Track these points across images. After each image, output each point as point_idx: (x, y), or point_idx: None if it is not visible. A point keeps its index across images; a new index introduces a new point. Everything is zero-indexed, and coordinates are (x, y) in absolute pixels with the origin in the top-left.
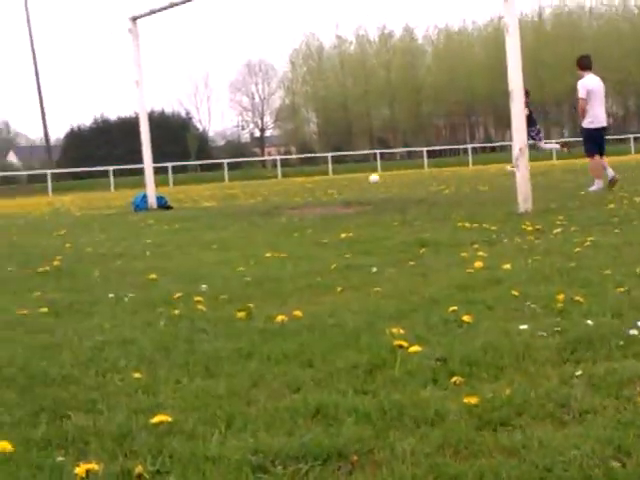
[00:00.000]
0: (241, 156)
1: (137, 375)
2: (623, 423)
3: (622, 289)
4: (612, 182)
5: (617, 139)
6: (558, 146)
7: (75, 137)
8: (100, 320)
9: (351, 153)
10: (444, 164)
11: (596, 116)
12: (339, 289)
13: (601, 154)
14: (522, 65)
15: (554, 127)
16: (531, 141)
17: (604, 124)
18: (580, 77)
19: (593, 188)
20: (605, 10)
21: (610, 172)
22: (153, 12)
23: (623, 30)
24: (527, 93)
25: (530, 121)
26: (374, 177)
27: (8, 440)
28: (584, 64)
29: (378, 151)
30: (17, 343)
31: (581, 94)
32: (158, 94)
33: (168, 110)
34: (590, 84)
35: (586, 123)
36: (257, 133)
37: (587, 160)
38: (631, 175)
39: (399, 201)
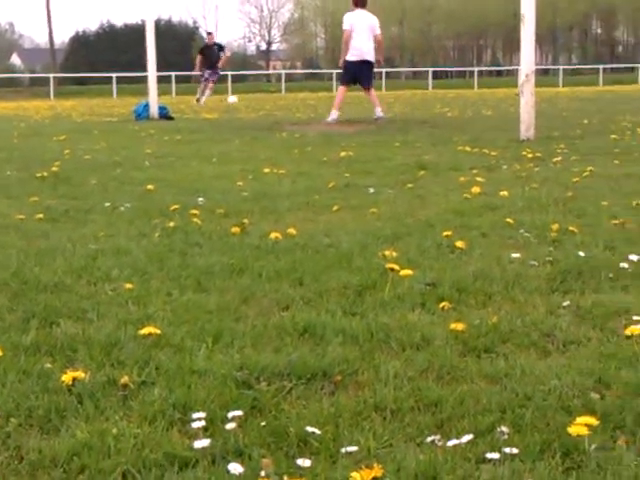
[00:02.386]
0: (246, 69)
1: (129, 286)
2: (605, 355)
3: (617, 221)
4: (377, 119)
5: (627, 68)
6: (203, 98)
7: (80, 42)
8: (95, 229)
9: None
10: (449, 86)
11: (357, 49)
12: (335, 208)
13: (354, 84)
14: None
15: (564, 52)
16: (204, 81)
17: (365, 58)
18: (351, 11)
19: (329, 119)
20: None
21: (378, 111)
22: None
23: None
24: (221, 47)
25: (213, 66)
26: (232, 98)
27: None
28: (355, 1)
29: (384, 70)
30: (12, 248)
31: (345, 26)
32: (166, 1)
33: (175, 18)
34: (353, 18)
35: (348, 55)
36: (263, 46)
37: (590, 89)
38: (636, 105)
39: (402, 122)
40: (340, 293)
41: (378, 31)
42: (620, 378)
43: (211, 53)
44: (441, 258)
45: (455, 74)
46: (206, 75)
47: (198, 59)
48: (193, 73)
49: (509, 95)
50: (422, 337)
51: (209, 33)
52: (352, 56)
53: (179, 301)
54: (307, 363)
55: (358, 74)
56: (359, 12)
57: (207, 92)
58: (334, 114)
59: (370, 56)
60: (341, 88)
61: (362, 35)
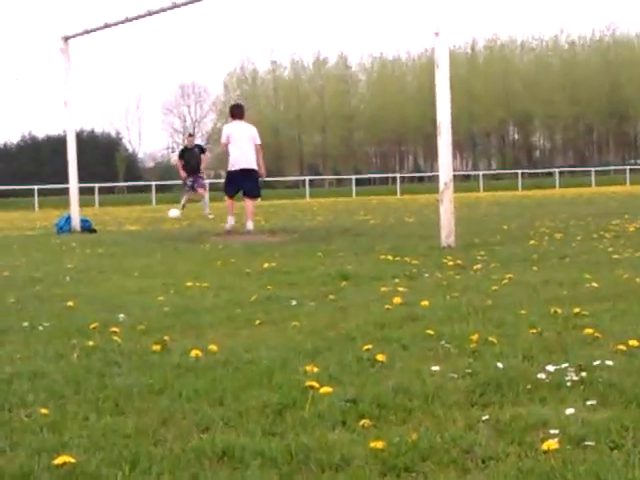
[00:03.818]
0: (170, 179)
1: (44, 411)
2: (524, 471)
3: (535, 330)
4: (248, 232)
5: (545, 172)
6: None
7: (1, 154)
8: (11, 350)
9: (280, 179)
10: (372, 192)
11: (234, 159)
12: (257, 322)
13: (237, 193)
14: (454, 97)
15: (484, 158)
16: (188, 190)
17: (241, 167)
18: (229, 123)
19: (226, 227)
20: (536, 44)
21: (230, 221)
22: (87, 32)
23: (553, 65)
24: (202, 149)
25: (195, 171)
26: (173, 211)
27: None
28: (232, 113)
29: (307, 177)
30: None
31: (222, 139)
32: (89, 112)
33: (98, 129)
34: (230, 129)
35: (228, 166)
36: None
37: (510, 193)
38: (553, 210)
39: (325, 230)
40: (260, 412)
41: (258, 141)
42: None
43: (191, 156)
44: (362, 373)
45: (378, 180)
46: (189, 183)
47: (179, 164)
48: (117, 184)
49: (431, 201)
50: (342, 457)
51: (190, 135)
52: (231, 166)
53: (96, 426)
54: None
55: (241, 183)
56: (236, 123)
57: (185, 198)
58: (230, 220)
59: (252, 164)
60: (227, 199)
61: (240, 145)
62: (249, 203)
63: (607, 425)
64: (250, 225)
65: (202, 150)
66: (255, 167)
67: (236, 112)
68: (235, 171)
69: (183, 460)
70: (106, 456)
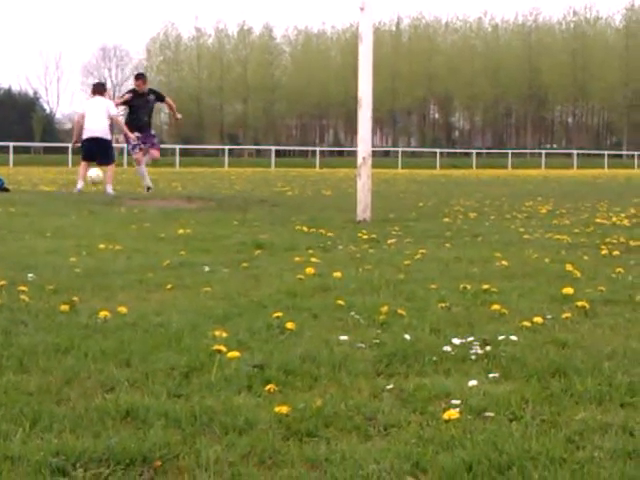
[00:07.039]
0: None
1: None
2: (424, 439)
3: (444, 304)
4: (107, 195)
5: (463, 152)
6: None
7: None
8: None
9: (200, 147)
10: (292, 164)
11: (88, 129)
12: (169, 286)
13: (93, 161)
14: (377, 74)
15: (404, 135)
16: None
17: (96, 135)
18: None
19: (75, 190)
20: (460, 26)
21: (108, 188)
22: None
23: (476, 47)
24: (160, 96)
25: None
26: (93, 171)
27: None
28: (92, 90)
29: (227, 147)
30: None
31: (80, 110)
32: (6, 70)
33: (15, 88)
34: (88, 103)
35: (83, 135)
36: None
37: (428, 172)
38: (469, 190)
39: (242, 199)
40: (167, 374)
41: (113, 111)
42: (437, 462)
43: (143, 105)
44: (271, 339)
45: (297, 153)
46: (132, 142)
47: (118, 119)
48: (33, 144)
49: (349, 175)
50: (246, 421)
51: (140, 76)
52: (84, 135)
53: None
54: (127, 448)
55: (94, 151)
56: (94, 98)
57: (142, 169)
58: (79, 184)
59: (103, 134)
60: (82, 163)
61: (94, 117)
62: (108, 170)
63: (508, 397)
64: (109, 189)
65: (159, 97)
66: (107, 137)
67: (96, 89)
68: (88, 139)
69: (86, 419)
70: (7, 412)
